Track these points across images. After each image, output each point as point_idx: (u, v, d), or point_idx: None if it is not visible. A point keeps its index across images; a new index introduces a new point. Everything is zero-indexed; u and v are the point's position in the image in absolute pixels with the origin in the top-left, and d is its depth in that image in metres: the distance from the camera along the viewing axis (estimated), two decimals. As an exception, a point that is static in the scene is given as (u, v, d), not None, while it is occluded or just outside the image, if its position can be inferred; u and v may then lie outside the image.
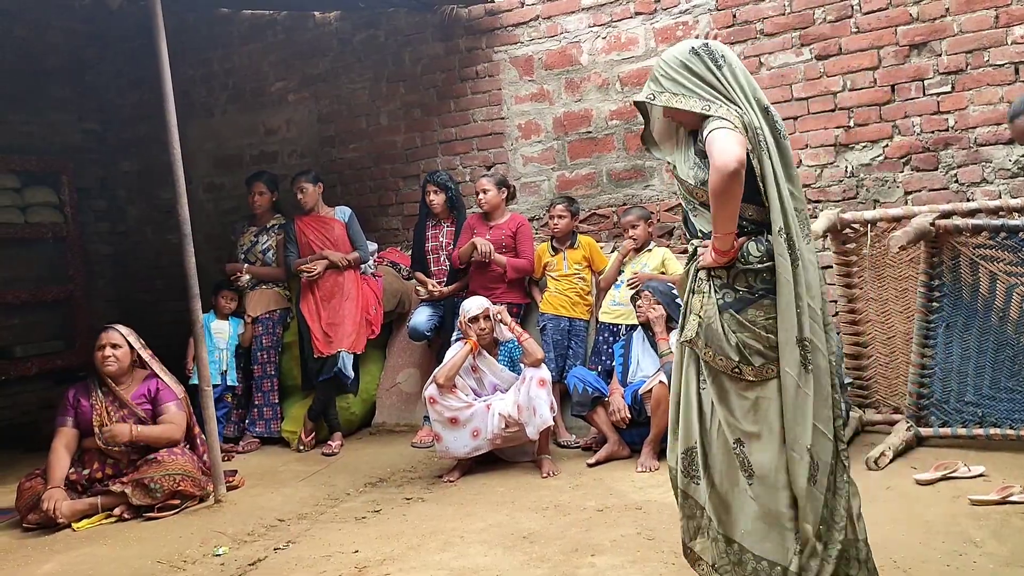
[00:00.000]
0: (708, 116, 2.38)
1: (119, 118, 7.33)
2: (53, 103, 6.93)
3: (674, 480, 2.60)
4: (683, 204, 2.60)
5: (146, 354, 4.37)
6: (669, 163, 2.63)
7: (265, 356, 5.49)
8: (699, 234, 2.53)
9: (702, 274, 2.49)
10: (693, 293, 2.52)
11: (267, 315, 5.55)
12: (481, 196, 5.08)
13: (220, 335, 5.52)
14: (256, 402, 5.46)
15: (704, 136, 2.38)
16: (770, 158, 2.37)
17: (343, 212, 5.46)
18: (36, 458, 4.51)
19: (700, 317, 2.46)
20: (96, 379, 4.23)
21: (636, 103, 2.58)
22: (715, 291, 2.45)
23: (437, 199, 5.28)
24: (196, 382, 5.38)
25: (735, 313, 2.41)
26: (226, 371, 5.50)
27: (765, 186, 2.36)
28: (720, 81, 2.43)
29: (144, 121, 7.10)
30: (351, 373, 5.32)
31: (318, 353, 5.20)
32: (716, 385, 2.45)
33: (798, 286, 2.35)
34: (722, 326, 2.41)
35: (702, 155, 2.43)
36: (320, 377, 5.25)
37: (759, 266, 2.39)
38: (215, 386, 5.40)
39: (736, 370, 2.41)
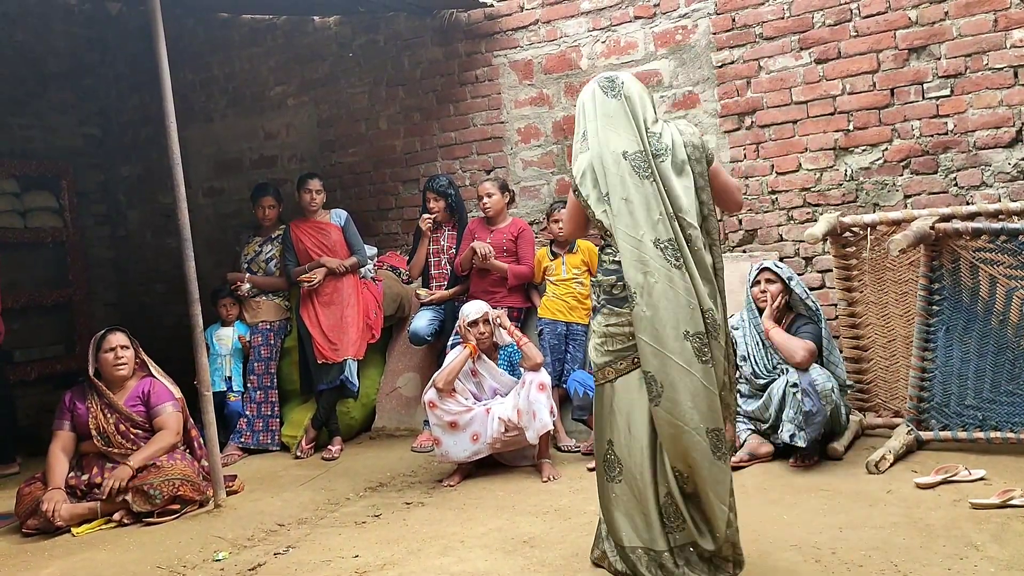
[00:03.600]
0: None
1: (119, 122, 7.34)
2: (53, 107, 6.94)
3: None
4: None
5: (143, 355, 4.39)
6: None
7: (261, 367, 5.48)
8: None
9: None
10: None
11: (265, 325, 5.54)
12: (485, 200, 5.08)
13: (222, 341, 5.52)
14: (247, 412, 5.43)
15: None
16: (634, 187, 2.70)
17: (338, 215, 5.45)
18: (36, 463, 4.52)
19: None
20: (90, 382, 4.23)
21: None
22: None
23: (436, 206, 5.27)
24: (222, 387, 5.43)
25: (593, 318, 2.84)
26: (230, 377, 5.48)
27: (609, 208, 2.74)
28: (596, 117, 2.85)
29: (144, 125, 7.12)
30: (357, 381, 5.31)
31: (322, 359, 5.19)
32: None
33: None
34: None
35: None
36: (324, 386, 5.24)
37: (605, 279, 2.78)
38: (222, 392, 5.41)
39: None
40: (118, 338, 4.27)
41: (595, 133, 2.80)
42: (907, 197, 4.59)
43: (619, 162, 2.71)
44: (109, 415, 4.17)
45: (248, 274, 5.57)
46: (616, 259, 2.73)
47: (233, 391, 5.46)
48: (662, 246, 2.63)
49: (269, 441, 5.39)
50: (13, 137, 6.63)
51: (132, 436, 4.17)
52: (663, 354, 2.60)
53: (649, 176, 2.70)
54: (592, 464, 4.30)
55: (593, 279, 2.85)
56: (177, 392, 4.37)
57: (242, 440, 5.37)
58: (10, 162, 6.47)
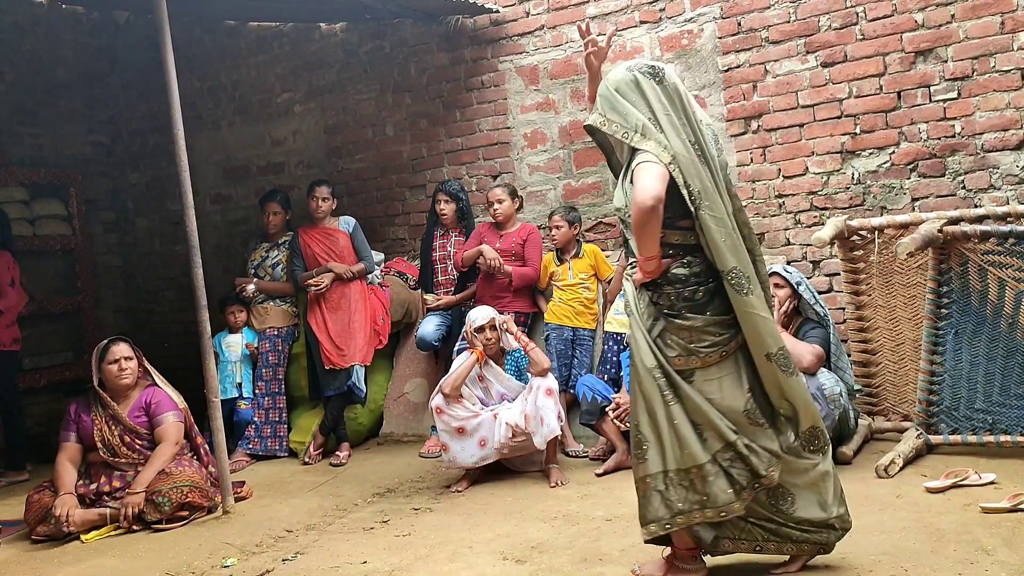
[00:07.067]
0: (635, 148, 2.60)
1: (127, 130, 7.38)
2: (62, 116, 6.98)
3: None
4: (623, 228, 2.80)
5: (146, 364, 4.41)
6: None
7: (269, 373, 5.49)
8: (634, 256, 2.75)
9: (633, 292, 2.75)
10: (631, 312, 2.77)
11: (273, 331, 5.55)
12: (497, 207, 5.09)
13: (231, 348, 5.52)
14: (256, 419, 5.43)
15: (632, 168, 2.60)
16: (704, 174, 2.62)
17: (347, 222, 5.47)
18: (46, 470, 4.53)
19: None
20: (95, 393, 4.24)
21: (587, 128, 2.80)
22: (645, 305, 2.72)
23: (448, 208, 5.28)
24: (234, 394, 5.43)
25: (671, 320, 2.67)
26: (241, 383, 5.49)
27: (694, 202, 2.59)
28: (650, 103, 2.63)
29: (152, 133, 7.15)
30: (364, 387, 5.32)
31: (330, 365, 5.20)
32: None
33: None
34: (660, 333, 2.69)
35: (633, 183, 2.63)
36: (332, 392, 5.25)
37: (680, 287, 2.66)
38: (233, 399, 5.41)
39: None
40: (121, 349, 4.27)
41: (661, 121, 2.64)
42: (915, 200, 4.57)
43: (690, 152, 2.62)
44: (113, 427, 4.18)
45: (255, 279, 5.59)
46: (695, 267, 2.67)
47: (243, 398, 5.46)
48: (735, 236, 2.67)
49: (277, 447, 5.39)
50: (23, 145, 6.67)
51: (137, 447, 4.18)
52: (776, 332, 2.69)
53: (710, 167, 2.66)
54: (601, 470, 4.31)
55: (653, 287, 2.71)
56: (180, 402, 4.37)
57: (250, 446, 5.37)
58: (19, 170, 6.50)
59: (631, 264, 2.79)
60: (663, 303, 2.69)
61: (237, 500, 4.29)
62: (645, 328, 2.71)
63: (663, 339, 2.69)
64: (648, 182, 2.53)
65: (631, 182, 2.64)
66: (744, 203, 4.91)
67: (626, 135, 2.64)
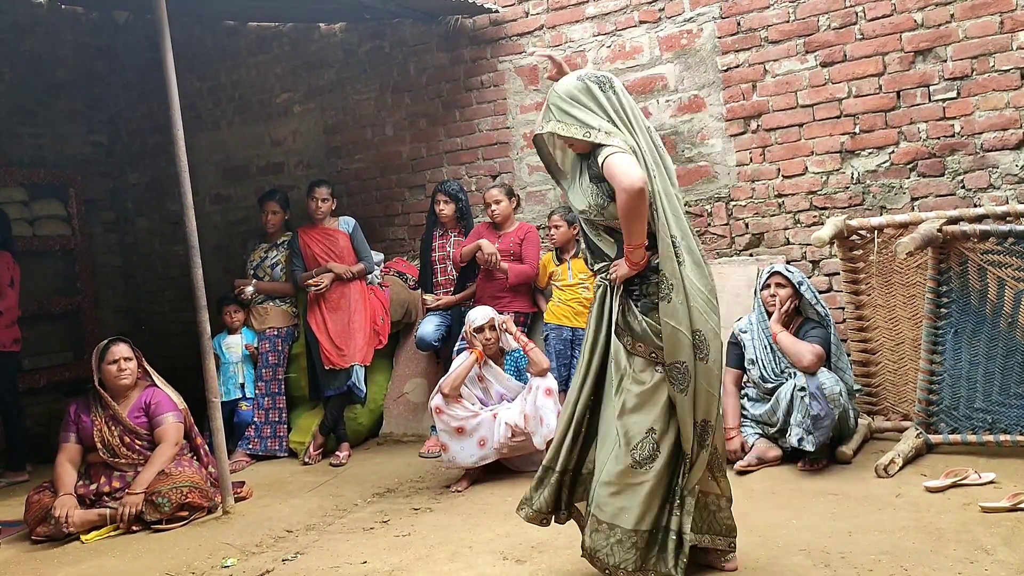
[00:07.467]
0: (598, 144, 2.60)
1: (127, 130, 7.38)
2: (62, 115, 6.98)
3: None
4: (585, 231, 2.82)
5: (146, 365, 4.41)
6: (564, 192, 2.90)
7: (269, 374, 5.49)
8: (605, 258, 2.78)
9: (608, 294, 2.78)
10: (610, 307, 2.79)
11: (273, 331, 5.55)
12: (494, 208, 5.09)
13: (231, 349, 5.52)
14: (255, 419, 5.43)
15: (600, 162, 2.58)
16: (658, 175, 2.66)
17: (347, 223, 5.47)
18: (46, 470, 4.52)
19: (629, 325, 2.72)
20: (95, 393, 4.24)
21: (534, 140, 2.83)
22: (633, 301, 2.72)
23: (447, 209, 5.28)
24: (237, 395, 5.43)
25: (653, 311, 2.68)
26: (243, 384, 5.49)
27: (653, 201, 2.62)
28: (605, 108, 2.67)
29: (152, 133, 7.15)
30: (364, 387, 5.32)
31: (330, 365, 5.20)
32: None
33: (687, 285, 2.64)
34: (649, 326, 2.68)
35: (598, 180, 2.65)
36: (332, 392, 5.25)
37: (655, 277, 2.67)
38: (235, 400, 5.41)
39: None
40: (121, 350, 4.27)
41: (617, 124, 2.68)
42: (914, 200, 4.57)
43: (641, 159, 2.65)
44: (113, 427, 4.18)
45: (254, 280, 5.59)
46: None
47: (245, 399, 5.46)
48: (678, 244, 2.66)
49: (277, 447, 5.39)
50: (23, 145, 6.67)
51: (137, 447, 4.18)
52: (691, 346, 2.64)
53: (661, 171, 2.70)
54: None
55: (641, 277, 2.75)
56: (180, 402, 4.37)
57: (250, 446, 5.37)
58: (19, 170, 6.51)
59: (602, 267, 2.80)
60: (651, 292, 2.69)
61: (237, 500, 4.29)
62: (619, 318, 2.73)
63: (647, 325, 2.68)
64: (631, 167, 2.54)
65: (591, 181, 2.70)
66: (744, 203, 4.99)
67: (588, 134, 2.63)
